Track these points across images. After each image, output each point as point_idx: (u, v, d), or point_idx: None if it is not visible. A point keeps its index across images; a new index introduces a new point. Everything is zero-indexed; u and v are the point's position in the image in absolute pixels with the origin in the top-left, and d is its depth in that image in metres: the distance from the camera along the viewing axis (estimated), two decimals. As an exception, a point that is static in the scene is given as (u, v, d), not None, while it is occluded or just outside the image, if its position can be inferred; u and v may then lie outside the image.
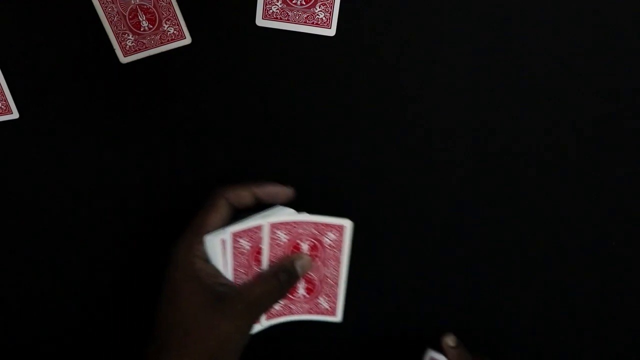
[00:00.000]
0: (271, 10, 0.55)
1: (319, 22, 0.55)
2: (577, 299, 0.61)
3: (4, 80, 0.57)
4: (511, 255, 0.60)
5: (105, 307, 0.63)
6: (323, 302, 0.53)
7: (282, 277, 0.49)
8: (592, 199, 0.59)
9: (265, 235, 0.49)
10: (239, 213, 0.52)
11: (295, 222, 0.49)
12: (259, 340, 0.52)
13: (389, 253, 0.60)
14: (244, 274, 0.50)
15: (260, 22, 0.55)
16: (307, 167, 0.59)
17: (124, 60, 0.56)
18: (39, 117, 0.58)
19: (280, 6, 0.55)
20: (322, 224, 0.50)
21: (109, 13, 0.54)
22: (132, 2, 0.54)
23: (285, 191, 0.53)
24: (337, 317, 0.54)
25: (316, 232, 0.50)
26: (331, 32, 0.55)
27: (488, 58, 0.56)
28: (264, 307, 0.49)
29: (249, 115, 0.58)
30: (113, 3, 0.54)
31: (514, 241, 0.60)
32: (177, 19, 0.55)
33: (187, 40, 0.56)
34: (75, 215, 0.61)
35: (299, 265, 0.50)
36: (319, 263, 0.51)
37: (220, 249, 0.49)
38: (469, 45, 0.56)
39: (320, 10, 0.54)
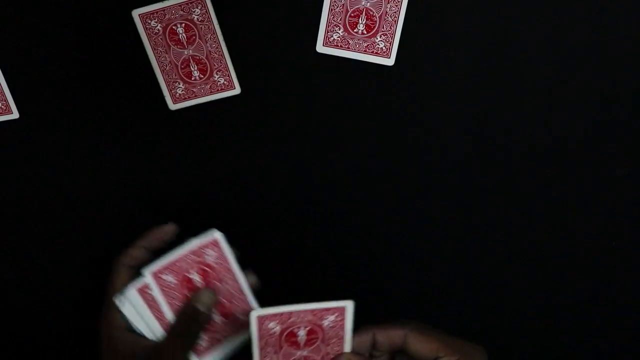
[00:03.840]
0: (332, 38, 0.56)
1: (379, 52, 0.55)
2: (577, 299, 0.61)
3: (4, 80, 0.57)
4: (510, 256, 0.60)
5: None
6: (241, 316, 0.51)
7: (190, 326, 0.48)
8: (592, 199, 0.59)
9: (154, 286, 0.49)
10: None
11: (176, 260, 0.49)
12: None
13: (388, 253, 0.61)
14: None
15: (321, 48, 0.56)
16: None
17: (173, 107, 0.57)
18: (39, 117, 0.58)
19: (341, 34, 0.55)
20: (198, 249, 0.49)
21: (161, 62, 0.56)
22: (185, 53, 0.55)
23: (167, 229, 0.53)
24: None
25: (198, 258, 0.49)
26: (390, 61, 0.56)
27: (488, 60, 0.56)
28: (185, 357, 0.48)
29: (285, 165, 0.59)
30: (166, 53, 0.55)
31: (513, 242, 0.60)
32: (228, 70, 0.56)
33: (237, 90, 0.56)
34: (75, 215, 0.61)
35: (201, 304, 0.48)
36: (217, 284, 0.50)
37: (140, 301, 0.50)
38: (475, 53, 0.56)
39: (381, 40, 0.55)
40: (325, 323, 0.47)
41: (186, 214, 0.60)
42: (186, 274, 0.49)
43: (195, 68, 0.56)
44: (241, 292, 0.51)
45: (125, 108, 0.58)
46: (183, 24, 0.55)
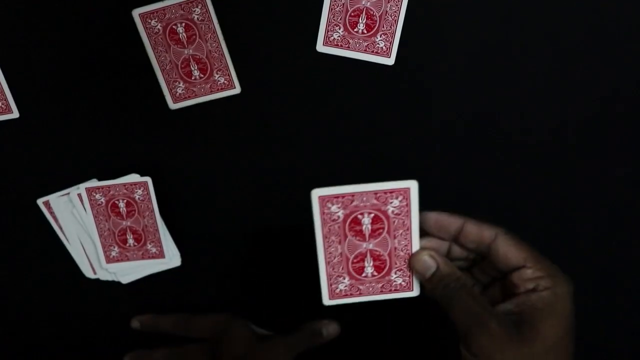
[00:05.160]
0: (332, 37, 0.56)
1: (379, 51, 0.56)
2: (576, 299, 0.61)
3: (4, 80, 0.57)
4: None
5: (107, 305, 0.63)
6: (152, 248, 0.57)
7: (310, 341, 0.58)
8: (591, 199, 0.59)
9: (85, 199, 0.57)
10: None
11: (109, 186, 0.57)
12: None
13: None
14: (105, 221, 0.58)
15: (321, 48, 0.56)
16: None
17: (173, 106, 0.57)
18: (39, 117, 0.58)
19: (341, 32, 0.56)
20: (129, 184, 0.57)
21: (161, 62, 0.56)
22: (186, 52, 0.55)
23: None
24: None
25: (126, 191, 0.57)
26: (390, 61, 0.56)
27: (487, 60, 0.56)
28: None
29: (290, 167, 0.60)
30: (166, 52, 0.55)
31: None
32: (228, 69, 0.56)
33: (237, 89, 0.57)
34: (75, 215, 0.61)
35: (325, 330, 0.58)
36: (137, 216, 0.58)
37: (77, 203, 0.57)
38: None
39: (381, 40, 0.55)
40: (390, 209, 0.45)
41: (186, 214, 0.60)
42: (114, 200, 0.57)
43: (196, 67, 0.56)
44: (156, 228, 0.58)
45: (125, 108, 0.58)
46: (183, 24, 0.55)
